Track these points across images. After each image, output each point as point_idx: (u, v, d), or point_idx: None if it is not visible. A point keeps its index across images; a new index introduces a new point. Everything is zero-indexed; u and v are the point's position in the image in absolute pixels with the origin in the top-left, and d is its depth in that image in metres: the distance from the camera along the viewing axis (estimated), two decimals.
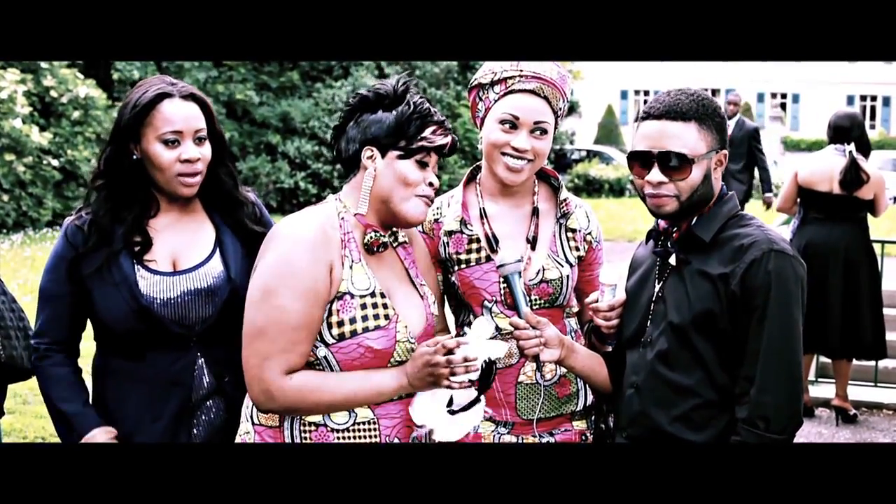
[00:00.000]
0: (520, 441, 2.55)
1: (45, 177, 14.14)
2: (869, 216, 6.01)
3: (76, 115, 14.94)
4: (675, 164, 2.21)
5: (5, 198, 13.56)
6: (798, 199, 6.05)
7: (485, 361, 2.22)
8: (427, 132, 2.27)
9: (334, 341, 2.19)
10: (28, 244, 12.46)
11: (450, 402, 2.24)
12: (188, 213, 2.52)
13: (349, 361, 2.20)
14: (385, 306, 2.23)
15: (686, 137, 2.21)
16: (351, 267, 2.23)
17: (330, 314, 2.19)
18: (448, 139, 2.30)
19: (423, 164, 2.28)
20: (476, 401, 2.25)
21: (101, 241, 2.41)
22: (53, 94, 14.76)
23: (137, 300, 2.37)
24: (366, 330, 2.19)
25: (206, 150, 2.44)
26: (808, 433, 5.82)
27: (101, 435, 2.41)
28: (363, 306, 2.20)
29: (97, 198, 2.47)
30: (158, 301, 2.38)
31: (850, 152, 5.81)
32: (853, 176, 5.76)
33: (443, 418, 2.23)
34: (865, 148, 5.91)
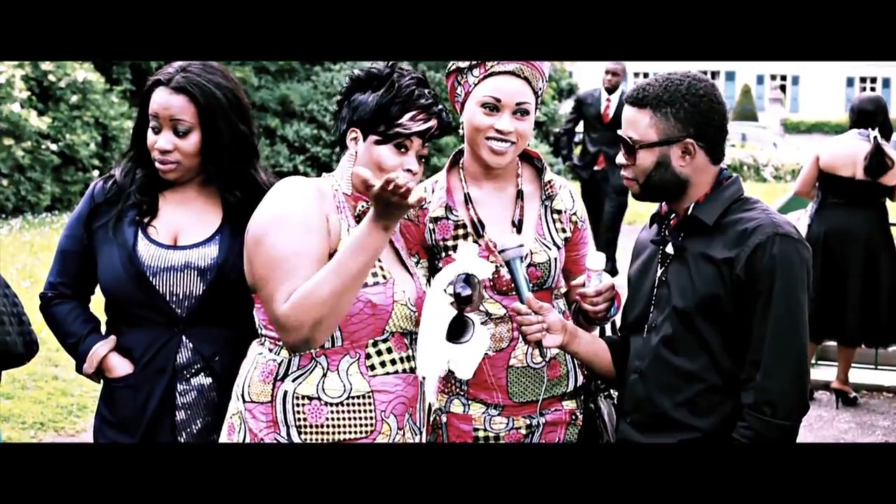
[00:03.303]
0: (510, 422, 2.55)
1: (44, 161, 14.06)
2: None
3: (74, 99, 14.86)
4: (627, 149, 2.26)
5: (4, 182, 13.51)
6: (817, 184, 5.96)
7: (464, 275, 2.22)
8: (405, 118, 2.24)
9: None
10: (27, 229, 12.42)
11: (452, 336, 2.23)
12: (201, 194, 2.55)
13: (348, 316, 2.18)
14: (381, 269, 2.24)
15: (638, 124, 2.24)
16: (347, 230, 2.24)
17: None
18: (428, 125, 2.27)
19: (402, 149, 2.26)
20: (472, 325, 2.25)
21: (117, 196, 2.51)
22: (51, 78, 14.67)
23: (135, 265, 2.43)
24: (365, 285, 2.18)
25: (186, 143, 2.44)
26: (807, 416, 5.78)
27: (102, 348, 2.48)
28: None
29: (125, 161, 2.58)
30: (151, 269, 2.44)
31: (875, 137, 5.70)
32: (878, 161, 5.65)
33: (453, 352, 2.23)
34: (887, 133, 5.80)
